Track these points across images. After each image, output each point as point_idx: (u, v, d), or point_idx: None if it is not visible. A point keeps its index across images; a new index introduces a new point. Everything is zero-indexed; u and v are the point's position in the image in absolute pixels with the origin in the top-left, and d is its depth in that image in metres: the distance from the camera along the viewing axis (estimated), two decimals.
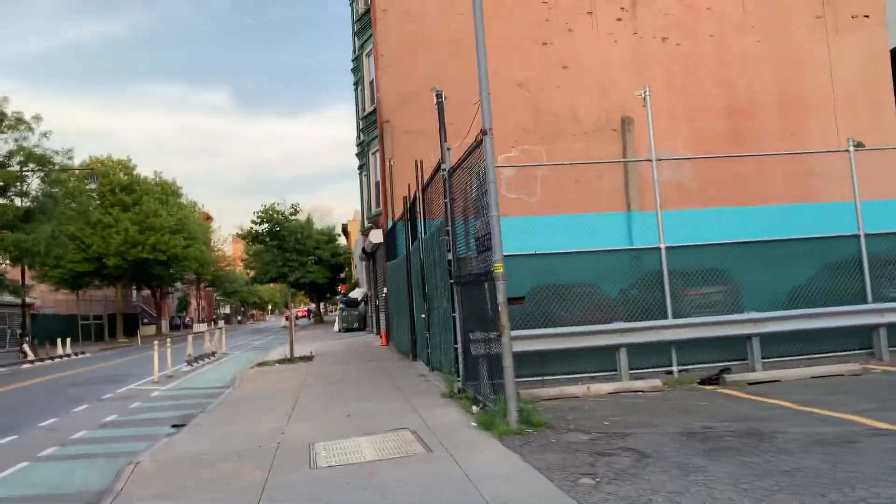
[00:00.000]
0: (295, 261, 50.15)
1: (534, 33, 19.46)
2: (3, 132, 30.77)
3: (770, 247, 10.46)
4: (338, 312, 38.07)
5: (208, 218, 73.93)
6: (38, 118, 31.77)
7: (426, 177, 12.47)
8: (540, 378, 9.48)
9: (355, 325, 34.04)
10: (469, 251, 8.39)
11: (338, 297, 50.74)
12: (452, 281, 9.21)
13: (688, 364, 9.94)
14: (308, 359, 17.45)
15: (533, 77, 19.36)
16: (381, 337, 22.82)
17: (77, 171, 36.59)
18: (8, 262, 33.40)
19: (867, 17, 20.34)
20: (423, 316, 12.82)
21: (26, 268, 33.43)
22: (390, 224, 20.18)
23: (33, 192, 32.90)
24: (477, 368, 8.11)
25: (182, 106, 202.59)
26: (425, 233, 12.35)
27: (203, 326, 63.09)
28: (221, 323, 68.84)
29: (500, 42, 17.72)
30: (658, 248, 10.07)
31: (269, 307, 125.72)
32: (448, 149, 9.20)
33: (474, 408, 7.89)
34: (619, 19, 19.78)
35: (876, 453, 5.22)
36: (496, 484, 5.11)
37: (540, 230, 11.33)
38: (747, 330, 9.70)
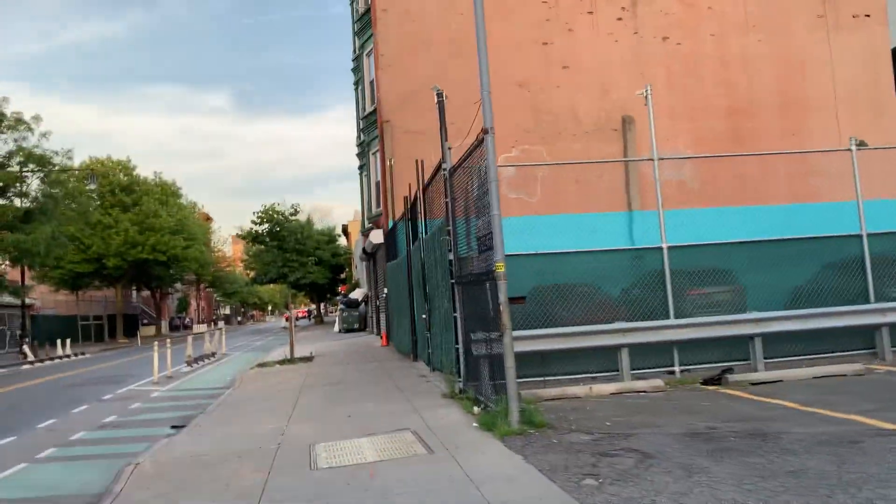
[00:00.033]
0: (295, 261, 50.09)
1: (534, 33, 19.43)
2: (2, 132, 30.72)
3: (772, 246, 10.42)
4: (338, 313, 38.03)
5: (208, 218, 73.94)
6: (37, 118, 31.75)
7: (427, 176, 12.43)
8: (541, 378, 9.44)
9: (356, 326, 33.99)
10: (470, 251, 8.35)
11: (338, 297, 50.70)
12: (453, 281, 9.17)
13: (690, 364, 9.90)
14: (308, 359, 17.40)
15: (533, 77, 19.33)
16: (381, 337, 22.77)
17: (77, 172, 36.55)
18: (8, 262, 33.36)
19: (868, 16, 20.32)
20: (423, 316, 12.77)
21: (26, 268, 33.39)
22: (391, 224, 20.14)
23: (33, 193, 32.88)
24: (478, 369, 8.07)
25: (182, 107, 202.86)
26: (426, 233, 12.31)
27: (203, 327, 63.07)
28: (221, 324, 68.77)
29: (501, 42, 17.68)
30: (660, 248, 10.03)
31: (270, 308, 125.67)
32: (449, 148, 9.17)
33: (476, 408, 7.85)
34: (620, 19, 19.76)
35: (881, 454, 5.18)
36: (498, 485, 5.06)
37: (540, 230, 11.28)
38: (749, 330, 9.66)
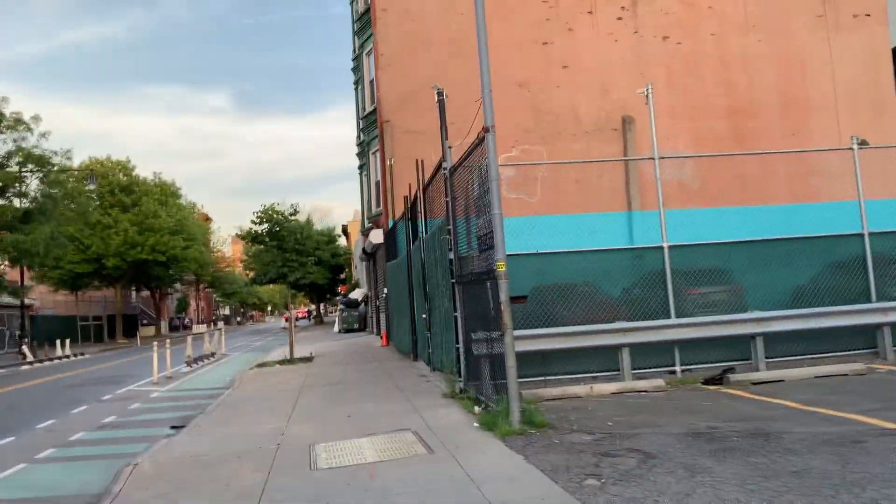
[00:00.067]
0: (295, 261, 50.04)
1: (534, 33, 19.41)
2: (1, 132, 30.67)
3: (773, 246, 10.40)
4: (338, 313, 37.99)
5: (207, 219, 73.90)
6: (36, 118, 31.71)
7: (427, 176, 12.41)
8: (542, 378, 9.41)
9: (355, 326, 33.96)
10: (471, 250, 8.32)
11: (338, 297, 50.64)
12: (454, 280, 9.14)
13: (691, 364, 9.87)
14: (308, 360, 17.37)
15: (533, 77, 19.31)
16: (381, 337, 22.74)
17: (76, 172, 36.51)
18: (7, 263, 33.30)
19: (868, 15, 20.29)
20: (423, 316, 12.74)
21: (25, 269, 33.34)
22: (391, 224, 20.12)
23: (32, 193, 32.83)
24: (479, 368, 8.04)
25: (182, 107, 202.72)
26: (426, 232, 12.29)
27: (202, 327, 63.03)
28: (221, 324, 68.73)
29: (501, 42, 17.65)
30: (661, 248, 10.01)
31: (269, 308, 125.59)
32: (449, 147, 9.14)
33: (476, 408, 7.82)
34: (620, 18, 19.73)
35: (884, 453, 5.15)
36: (499, 485, 5.04)
37: (541, 230, 11.25)
38: (750, 329, 9.63)
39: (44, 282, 43.77)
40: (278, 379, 13.73)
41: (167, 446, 7.63)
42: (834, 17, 20.20)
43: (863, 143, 10.67)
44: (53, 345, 30.65)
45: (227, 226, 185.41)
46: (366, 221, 28.47)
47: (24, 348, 29.75)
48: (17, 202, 32.05)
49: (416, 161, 13.42)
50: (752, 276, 10.25)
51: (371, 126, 24.60)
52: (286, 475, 5.85)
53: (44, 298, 47.04)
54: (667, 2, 19.84)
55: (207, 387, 14.74)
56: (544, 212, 16.97)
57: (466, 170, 8.11)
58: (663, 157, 10.44)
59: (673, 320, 9.70)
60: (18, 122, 31.01)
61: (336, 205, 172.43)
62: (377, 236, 24.49)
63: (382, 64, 19.97)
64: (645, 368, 9.75)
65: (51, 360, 28.52)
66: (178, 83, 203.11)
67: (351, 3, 29.54)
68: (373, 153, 24.87)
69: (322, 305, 71.16)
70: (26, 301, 35.45)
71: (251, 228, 51.13)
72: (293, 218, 51.51)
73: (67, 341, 31.21)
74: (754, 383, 8.79)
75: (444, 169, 9.23)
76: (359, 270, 42.96)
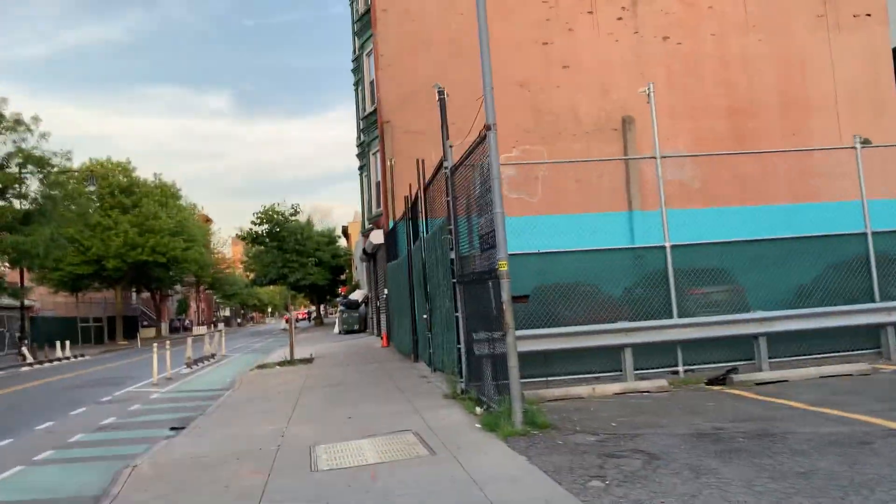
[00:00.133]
0: (295, 262, 49.95)
1: (534, 33, 19.37)
2: (1, 133, 30.62)
3: (775, 245, 10.34)
4: (338, 314, 37.93)
5: (207, 220, 73.83)
6: (36, 119, 31.62)
7: (427, 176, 12.36)
8: (544, 378, 9.35)
9: (356, 327, 33.91)
10: (472, 249, 8.27)
11: (338, 299, 50.58)
12: (455, 280, 9.09)
13: (694, 364, 9.81)
14: (308, 361, 17.32)
15: (533, 77, 19.27)
16: (381, 338, 22.69)
17: (76, 173, 36.45)
18: (7, 264, 33.23)
19: (869, 15, 20.26)
20: (424, 316, 12.69)
21: (25, 270, 33.27)
22: (391, 224, 20.07)
23: (32, 195, 32.75)
24: (480, 369, 7.98)
25: (182, 108, 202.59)
26: (427, 232, 12.23)
27: (203, 329, 62.92)
28: (221, 325, 68.67)
29: (501, 42, 17.60)
30: (663, 247, 9.95)
31: (269, 310, 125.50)
32: (450, 146, 9.09)
33: (478, 409, 7.76)
34: (620, 18, 19.70)
35: (892, 454, 5.09)
36: (502, 486, 4.98)
37: (541, 230, 11.21)
38: (754, 329, 9.57)
39: (44, 283, 43.70)
40: (278, 380, 13.67)
41: (167, 448, 7.58)
42: (834, 17, 20.17)
43: (866, 142, 10.62)
44: (53, 346, 30.57)
45: (228, 227, 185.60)
46: (366, 222, 28.42)
47: (24, 350, 29.66)
48: (17, 203, 31.99)
49: (417, 161, 13.36)
50: (755, 276, 10.19)
51: (371, 126, 24.55)
52: (286, 477, 5.80)
53: (44, 300, 46.97)
54: (667, 2, 19.81)
55: (207, 388, 14.67)
56: (545, 212, 16.91)
57: (468, 169, 8.05)
58: (665, 157, 10.38)
59: (675, 320, 9.64)
60: (18, 122, 30.94)
61: (336, 205, 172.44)
62: (377, 237, 24.43)
63: (382, 64, 19.92)
64: (647, 369, 9.69)
65: (51, 361, 28.44)
66: (179, 84, 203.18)
67: (351, 4, 29.51)
68: (373, 153, 24.82)
69: (322, 307, 71.10)
70: (26, 302, 35.39)
71: (251, 229, 51.05)
72: (293, 218, 51.41)
73: (67, 343, 31.13)
74: (758, 383, 8.73)
75: (446, 168, 9.18)
76: (359, 271, 42.93)
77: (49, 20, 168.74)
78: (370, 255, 30.03)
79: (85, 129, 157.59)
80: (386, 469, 5.75)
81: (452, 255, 9.15)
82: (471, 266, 8.35)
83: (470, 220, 8.28)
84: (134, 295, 59.83)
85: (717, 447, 5.64)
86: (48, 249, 30.64)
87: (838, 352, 10.02)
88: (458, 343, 9.24)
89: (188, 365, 20.02)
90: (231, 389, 13.16)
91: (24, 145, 31.38)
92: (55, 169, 32.73)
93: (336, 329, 36.30)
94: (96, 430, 10.01)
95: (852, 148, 10.56)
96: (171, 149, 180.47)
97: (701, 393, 8.56)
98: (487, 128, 6.83)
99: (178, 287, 64.72)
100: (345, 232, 58.62)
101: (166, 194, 50.33)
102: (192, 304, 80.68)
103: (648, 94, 10.30)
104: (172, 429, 9.14)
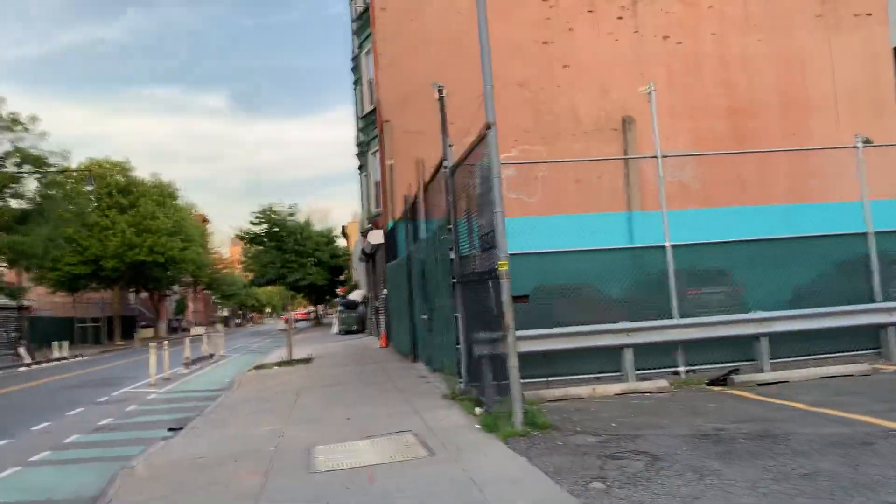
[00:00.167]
0: (294, 262, 49.82)
1: (534, 32, 19.32)
2: None
3: (777, 245, 10.29)
4: (337, 315, 37.85)
5: (205, 220, 73.69)
6: (34, 119, 31.54)
7: (427, 176, 12.31)
8: (544, 379, 9.29)
9: (354, 328, 33.84)
10: (472, 249, 8.22)
11: (337, 299, 50.47)
12: (455, 280, 9.04)
13: (695, 364, 9.76)
14: (307, 361, 17.25)
15: (533, 77, 19.22)
16: (380, 339, 22.62)
17: (74, 173, 36.34)
18: (4, 264, 33.15)
19: (868, 15, 20.22)
20: (423, 317, 12.63)
21: (23, 270, 33.18)
22: (390, 224, 20.02)
23: (30, 194, 32.68)
24: (480, 369, 7.92)
25: (181, 109, 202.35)
26: (426, 232, 12.18)
27: (201, 329, 62.76)
28: (219, 326, 68.54)
29: (500, 41, 17.50)
30: (663, 247, 9.90)
31: (268, 310, 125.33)
32: (450, 145, 9.03)
33: (477, 409, 7.71)
34: (620, 18, 19.65)
35: (894, 455, 5.05)
36: (502, 488, 4.93)
37: (541, 230, 11.16)
38: (754, 329, 9.52)
39: (41, 283, 43.53)
40: (277, 381, 13.61)
41: (164, 448, 7.52)
42: (834, 16, 20.13)
43: (867, 142, 10.58)
44: (51, 347, 30.46)
45: (226, 227, 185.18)
46: (365, 222, 28.36)
47: (21, 350, 29.57)
48: (14, 203, 31.90)
49: (417, 161, 13.32)
50: (756, 276, 10.14)
51: (370, 126, 24.49)
52: (285, 478, 5.74)
53: (41, 300, 46.81)
54: (667, 1, 19.76)
55: (205, 388, 14.61)
56: (544, 212, 16.85)
57: (468, 168, 8.00)
58: (666, 156, 10.33)
59: (676, 320, 9.59)
60: (15, 122, 30.85)
61: (335, 204, 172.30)
62: (377, 237, 24.37)
63: (382, 64, 19.87)
64: (648, 369, 9.64)
65: (48, 361, 28.35)
66: (177, 84, 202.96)
67: (350, 3, 29.45)
68: (372, 153, 24.76)
69: (321, 307, 70.98)
70: (24, 302, 35.31)
71: (249, 229, 50.94)
72: (292, 218, 51.32)
73: (65, 343, 31.02)
74: (759, 384, 8.69)
75: (445, 167, 9.12)
76: (358, 272, 42.85)
77: (47, 20, 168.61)
78: (369, 256, 29.97)
79: (83, 128, 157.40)
80: (385, 470, 5.70)
81: (452, 255, 9.09)
82: (470, 266, 8.30)
83: (470, 219, 8.22)
84: (132, 295, 59.71)
85: (719, 448, 5.59)
86: (46, 249, 30.58)
87: (839, 352, 9.97)
88: (458, 343, 9.18)
89: (186, 365, 19.95)
90: (229, 390, 13.10)
91: (21, 144, 31.31)
92: (53, 168, 32.64)
93: (335, 329, 36.23)
94: (93, 430, 9.95)
95: (854, 147, 10.51)
96: (170, 149, 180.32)
97: (702, 393, 8.52)
98: (487, 126, 6.78)
99: (175, 287, 64.59)
100: (343, 232, 58.52)
101: (164, 194, 50.22)
102: (190, 305, 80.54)
103: (649, 94, 10.25)
104: (170, 429, 9.08)
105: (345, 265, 56.38)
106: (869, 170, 10.54)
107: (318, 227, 57.53)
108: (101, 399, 13.85)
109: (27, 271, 34.86)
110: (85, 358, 30.94)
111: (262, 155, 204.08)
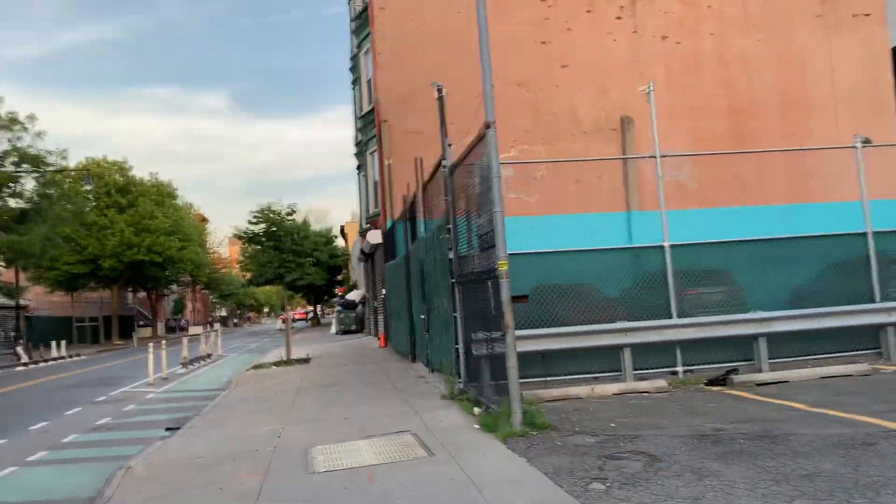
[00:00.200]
0: (292, 262, 49.78)
1: (533, 32, 19.30)
2: None
3: (776, 245, 10.28)
4: (335, 315, 37.80)
5: (203, 219, 73.61)
6: (32, 118, 31.49)
7: (426, 176, 12.29)
8: (543, 379, 9.28)
9: (353, 328, 33.80)
10: (471, 249, 8.20)
11: (335, 299, 50.41)
12: (454, 280, 9.01)
13: (693, 364, 9.75)
14: (305, 361, 17.22)
15: (532, 77, 19.20)
16: (379, 339, 22.59)
17: (73, 173, 36.27)
18: (2, 263, 33.07)
19: (868, 15, 20.23)
20: (422, 317, 12.61)
21: (21, 269, 33.11)
22: (389, 224, 19.98)
23: (28, 193, 32.62)
24: (479, 369, 7.91)
25: (179, 108, 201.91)
26: (425, 232, 12.16)
27: (199, 329, 62.68)
28: (217, 325, 68.44)
29: (500, 41, 17.44)
30: (662, 247, 9.89)
31: (266, 310, 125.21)
32: (449, 145, 9.01)
33: (476, 409, 7.69)
34: (619, 18, 19.64)
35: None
36: (501, 488, 4.91)
37: (540, 230, 11.15)
38: (753, 329, 9.52)
39: (40, 283, 43.48)
40: (275, 380, 13.58)
41: (162, 448, 7.50)
42: (834, 17, 20.14)
43: (866, 142, 10.57)
44: (49, 346, 30.42)
45: (225, 227, 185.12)
46: (364, 222, 28.32)
47: (19, 349, 29.52)
48: (12, 202, 31.83)
49: (416, 160, 13.29)
50: (755, 276, 10.13)
51: (369, 126, 24.45)
52: (283, 478, 5.72)
53: (39, 299, 46.73)
54: (666, 1, 19.76)
55: (203, 388, 14.58)
56: (543, 212, 16.84)
57: (467, 168, 7.98)
58: (665, 156, 10.32)
59: (675, 320, 9.58)
60: (13, 121, 30.80)
61: (333, 204, 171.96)
62: (375, 237, 24.34)
63: (380, 63, 19.84)
64: (647, 369, 9.62)
65: (46, 361, 28.30)
66: (176, 84, 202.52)
67: (348, 2, 29.41)
68: (371, 153, 24.72)
69: (319, 307, 70.89)
70: (22, 302, 35.22)
71: (248, 229, 50.87)
72: (290, 218, 51.26)
73: (63, 342, 30.99)
74: (758, 384, 8.67)
75: (444, 167, 9.10)
76: (356, 272, 42.77)
77: (46, 19, 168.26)
78: (368, 256, 29.92)
79: (81, 128, 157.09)
80: (383, 470, 5.68)
81: (451, 255, 9.07)
82: (469, 266, 8.28)
83: (469, 219, 8.20)
84: (130, 295, 59.64)
85: (718, 449, 5.58)
86: (44, 249, 30.51)
87: (838, 352, 9.96)
88: (457, 343, 9.16)
89: (184, 365, 19.91)
90: (227, 390, 13.07)
91: (19, 144, 31.25)
92: (51, 168, 32.58)
93: (333, 329, 36.20)
94: (91, 430, 9.92)
95: (853, 147, 10.50)
96: (168, 149, 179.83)
97: (701, 394, 8.50)
98: (487, 125, 6.76)
99: (174, 287, 64.51)
100: (342, 232, 58.42)
101: (162, 193, 50.18)
102: (189, 304, 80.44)
103: (648, 94, 10.24)
104: (168, 429, 9.05)
105: (343, 265, 56.30)
106: (868, 170, 10.53)
107: (316, 226, 57.52)
108: (99, 399, 13.82)
109: (25, 270, 34.76)
110: (83, 357, 30.89)
111: (262, 155, 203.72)
